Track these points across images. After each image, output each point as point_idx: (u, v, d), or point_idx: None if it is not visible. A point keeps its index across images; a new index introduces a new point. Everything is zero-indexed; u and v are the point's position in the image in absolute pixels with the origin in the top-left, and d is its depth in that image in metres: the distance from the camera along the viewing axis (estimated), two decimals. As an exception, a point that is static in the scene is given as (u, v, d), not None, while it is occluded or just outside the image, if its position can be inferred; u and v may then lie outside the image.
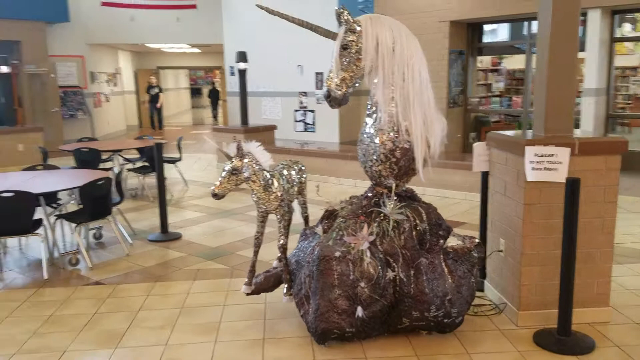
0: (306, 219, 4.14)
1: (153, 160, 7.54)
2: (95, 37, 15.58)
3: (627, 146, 3.62)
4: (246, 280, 3.82)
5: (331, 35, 3.45)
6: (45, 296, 4.38)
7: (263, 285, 3.86)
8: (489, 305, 4.03)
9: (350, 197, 3.85)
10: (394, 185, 3.52)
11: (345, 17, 3.37)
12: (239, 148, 3.41)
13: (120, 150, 8.24)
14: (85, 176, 5.34)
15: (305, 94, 13.14)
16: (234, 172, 3.38)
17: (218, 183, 3.39)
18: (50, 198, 5.63)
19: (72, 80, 15.24)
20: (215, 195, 3.39)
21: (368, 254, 3.37)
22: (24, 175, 5.71)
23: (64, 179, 5.43)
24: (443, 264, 3.51)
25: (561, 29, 3.66)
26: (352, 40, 3.37)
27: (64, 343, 3.56)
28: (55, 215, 5.29)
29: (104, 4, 15.35)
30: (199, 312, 4.02)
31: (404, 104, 3.44)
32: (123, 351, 3.47)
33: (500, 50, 12.42)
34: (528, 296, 3.71)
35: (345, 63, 3.39)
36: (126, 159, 8.52)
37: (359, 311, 3.34)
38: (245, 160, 3.41)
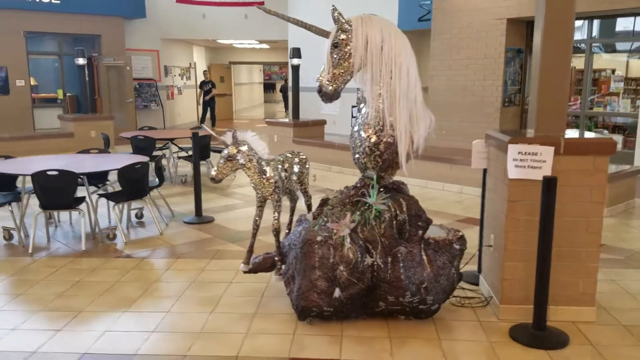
0: (309, 207, 4.42)
1: (202, 148, 8.10)
2: (169, 33, 16.52)
3: (615, 148, 3.63)
4: (244, 259, 4.16)
5: (325, 33, 3.70)
6: (79, 265, 4.92)
7: (261, 265, 4.18)
8: (478, 297, 4.14)
9: (345, 187, 4.08)
10: (374, 176, 3.73)
11: (336, 17, 3.61)
12: (234, 137, 3.74)
13: (173, 139, 8.84)
14: (129, 160, 5.86)
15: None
16: (229, 158, 3.71)
17: (216, 168, 3.74)
18: (99, 178, 6.22)
19: (147, 73, 16.27)
20: (214, 180, 3.74)
21: (348, 240, 3.60)
22: (76, 157, 6.35)
23: (109, 162, 6.00)
24: (423, 253, 3.69)
25: (554, 28, 3.73)
26: (343, 39, 3.60)
27: (82, 305, 4.05)
28: (98, 194, 5.87)
29: (178, 1, 16.23)
30: (206, 286, 4.40)
31: (391, 100, 3.64)
32: (129, 314, 3.90)
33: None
34: (510, 291, 3.81)
35: (336, 60, 3.63)
36: (180, 148, 9.12)
37: (337, 292, 3.59)
38: (240, 149, 3.74)
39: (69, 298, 4.18)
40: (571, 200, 3.67)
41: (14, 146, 10.75)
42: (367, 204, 3.73)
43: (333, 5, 3.63)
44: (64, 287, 4.38)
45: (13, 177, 5.76)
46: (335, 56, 3.63)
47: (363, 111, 3.81)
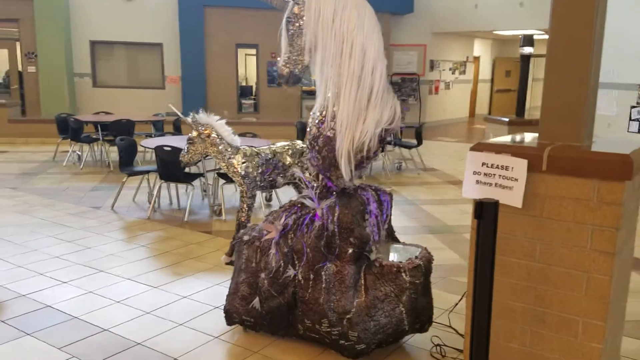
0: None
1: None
2: (439, 26, 16.21)
3: (632, 169, 2.25)
4: (227, 251, 3.98)
5: (286, 7, 3.25)
6: (165, 232, 5.41)
7: (245, 258, 3.94)
8: (469, 355, 3.10)
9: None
10: (300, 175, 3.12)
11: (286, -11, 3.14)
12: (193, 120, 3.59)
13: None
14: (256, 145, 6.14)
15: (647, 87, 11.02)
16: (189, 142, 3.59)
17: (184, 152, 3.68)
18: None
19: (412, 68, 16.36)
20: (181, 163, 3.69)
21: (274, 244, 3.13)
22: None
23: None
24: (361, 277, 2.97)
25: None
26: (295, 14, 3.11)
27: (107, 266, 4.45)
28: (216, 173, 6.32)
29: (450, -8, 15.85)
30: (222, 272, 4.34)
31: (338, 86, 2.99)
32: (126, 282, 4.15)
33: None
34: (474, 353, 2.75)
35: (290, 39, 3.17)
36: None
37: (256, 302, 3.17)
38: (201, 132, 3.58)
39: (112, 259, 4.65)
40: (561, 244, 2.46)
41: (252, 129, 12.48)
42: (309, 208, 3.17)
43: (286, -26, 3.16)
44: (122, 249, 4.89)
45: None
46: (289, 34, 3.16)
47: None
